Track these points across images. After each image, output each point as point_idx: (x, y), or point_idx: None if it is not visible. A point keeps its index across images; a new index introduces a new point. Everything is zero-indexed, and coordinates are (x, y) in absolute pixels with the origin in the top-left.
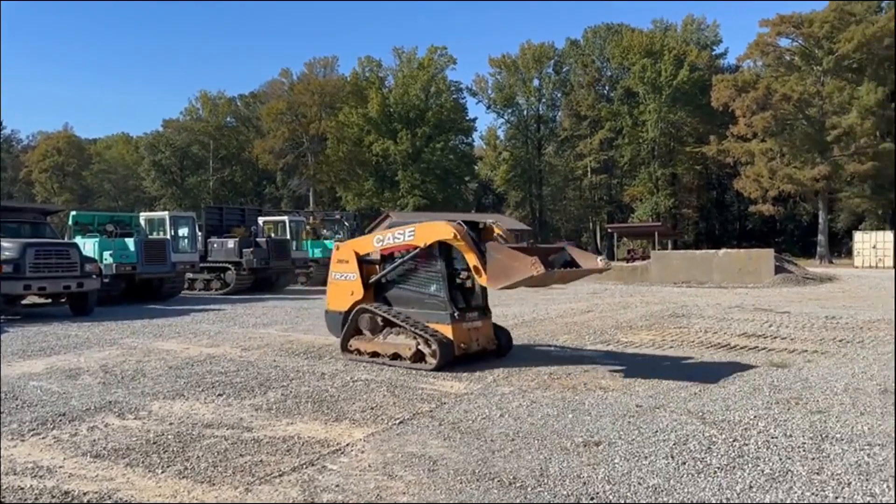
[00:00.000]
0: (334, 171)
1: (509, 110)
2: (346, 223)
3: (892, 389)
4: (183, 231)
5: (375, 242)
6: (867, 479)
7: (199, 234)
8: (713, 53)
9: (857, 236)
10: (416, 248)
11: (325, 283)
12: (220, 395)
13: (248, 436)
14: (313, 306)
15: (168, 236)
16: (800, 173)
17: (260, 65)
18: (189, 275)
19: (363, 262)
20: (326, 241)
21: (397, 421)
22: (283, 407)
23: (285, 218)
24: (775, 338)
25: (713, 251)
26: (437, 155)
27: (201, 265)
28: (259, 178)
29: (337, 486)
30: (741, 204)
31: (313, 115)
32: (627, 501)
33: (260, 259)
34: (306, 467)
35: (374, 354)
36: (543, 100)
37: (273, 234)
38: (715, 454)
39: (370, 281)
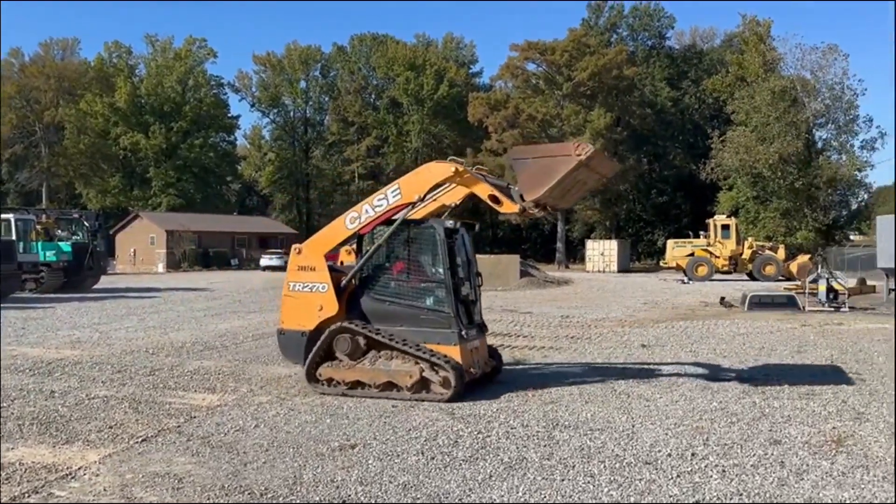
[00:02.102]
0: (73, 165)
1: (275, 110)
2: (86, 223)
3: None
4: None
5: (349, 224)
6: (588, 461)
7: None
8: (470, 72)
9: (589, 244)
10: (406, 206)
11: (59, 289)
12: None
13: None
14: (44, 316)
15: None
16: None
17: None
18: None
19: (333, 270)
20: (61, 243)
21: (139, 439)
22: (2, 430)
23: (10, 216)
24: (518, 336)
25: None
26: (195, 152)
27: None
28: None
29: None
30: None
31: (49, 102)
32: (378, 501)
33: None
34: (29, 496)
35: (356, 385)
36: (311, 102)
37: None
38: (461, 447)
39: (342, 287)
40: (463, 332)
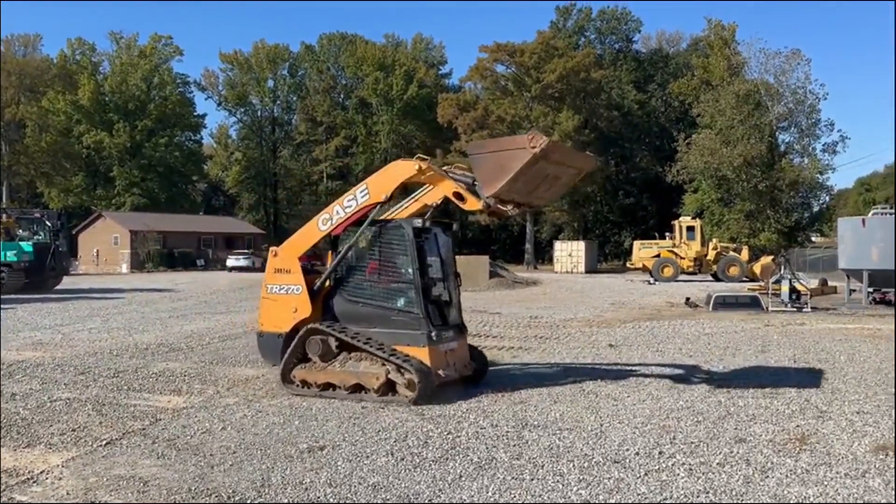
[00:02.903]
0: (35, 164)
1: (242, 109)
2: (48, 223)
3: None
4: None
5: (321, 226)
6: (557, 461)
7: None
8: (439, 73)
9: (557, 245)
10: (375, 206)
11: (20, 290)
12: None
13: None
14: (5, 317)
15: None
16: None
17: None
18: None
19: (309, 272)
20: (22, 243)
21: (104, 442)
22: None
23: None
24: (488, 336)
25: None
26: (160, 151)
27: None
28: None
29: None
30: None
31: (10, 99)
32: (347, 502)
33: None
34: None
35: (327, 386)
36: (278, 102)
37: None
38: (431, 448)
39: (315, 290)
40: (433, 334)
